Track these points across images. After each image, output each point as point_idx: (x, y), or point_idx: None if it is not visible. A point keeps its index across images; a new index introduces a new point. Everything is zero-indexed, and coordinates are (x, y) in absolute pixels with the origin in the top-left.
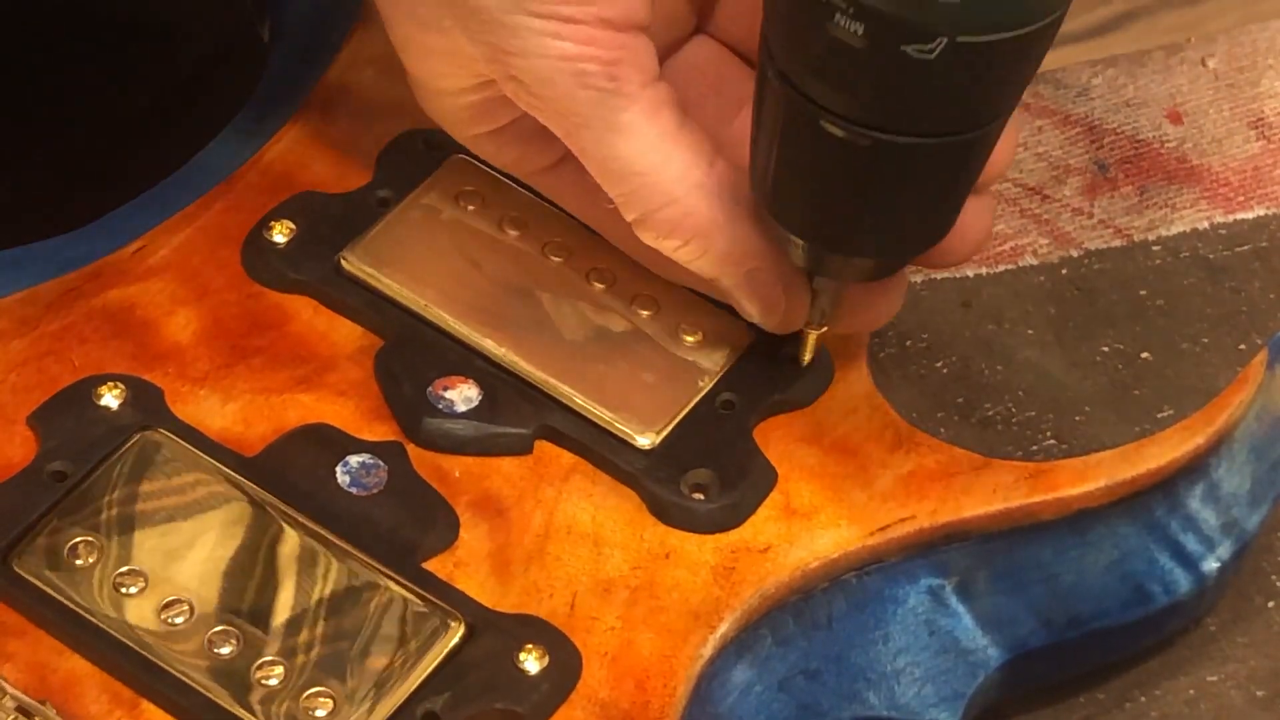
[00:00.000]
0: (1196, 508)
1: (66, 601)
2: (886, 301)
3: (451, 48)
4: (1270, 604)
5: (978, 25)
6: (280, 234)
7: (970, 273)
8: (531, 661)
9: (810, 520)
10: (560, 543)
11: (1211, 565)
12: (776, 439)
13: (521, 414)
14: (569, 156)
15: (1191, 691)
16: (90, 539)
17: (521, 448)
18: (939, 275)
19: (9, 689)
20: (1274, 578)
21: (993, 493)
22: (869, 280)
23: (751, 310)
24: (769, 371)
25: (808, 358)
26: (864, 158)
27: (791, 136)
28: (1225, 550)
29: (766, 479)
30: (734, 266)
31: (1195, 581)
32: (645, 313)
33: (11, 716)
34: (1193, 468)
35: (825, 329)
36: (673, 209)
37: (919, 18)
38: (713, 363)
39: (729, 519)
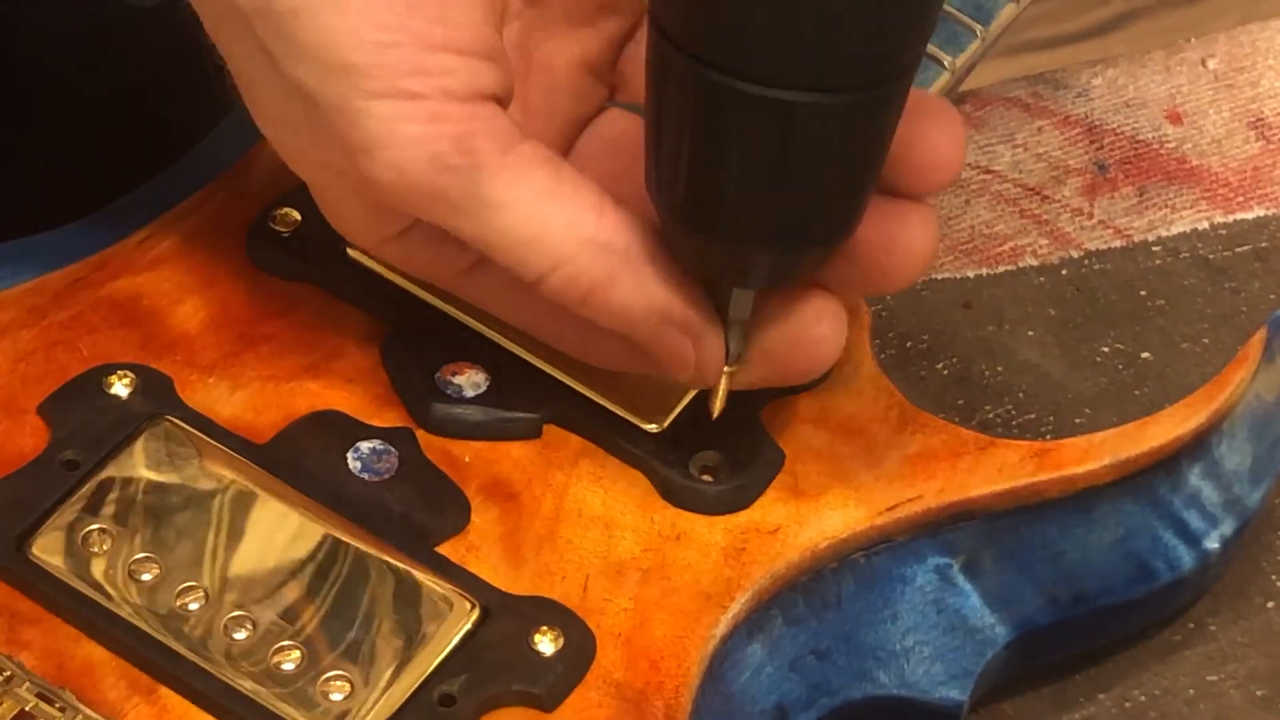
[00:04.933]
0: (1199, 485)
1: (82, 588)
2: (803, 353)
3: (313, 153)
4: (1270, 604)
5: None
6: (284, 223)
7: (970, 274)
8: (546, 643)
9: (818, 501)
10: (571, 526)
11: (1214, 542)
12: (783, 421)
13: (530, 399)
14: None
15: (1191, 691)
16: (104, 527)
17: (530, 432)
18: (939, 276)
19: (29, 676)
20: (1274, 578)
21: (998, 472)
22: (776, 284)
23: (664, 363)
24: None
25: (718, 408)
26: (791, 125)
27: (706, 119)
28: (1227, 527)
29: (774, 460)
30: (640, 319)
31: (1198, 558)
32: None
33: (33, 704)
34: (1195, 445)
35: (736, 369)
36: (565, 269)
37: None
38: None
39: (738, 500)
